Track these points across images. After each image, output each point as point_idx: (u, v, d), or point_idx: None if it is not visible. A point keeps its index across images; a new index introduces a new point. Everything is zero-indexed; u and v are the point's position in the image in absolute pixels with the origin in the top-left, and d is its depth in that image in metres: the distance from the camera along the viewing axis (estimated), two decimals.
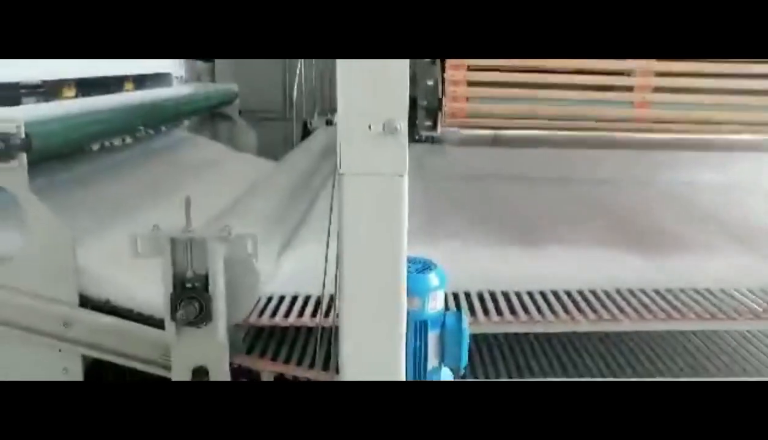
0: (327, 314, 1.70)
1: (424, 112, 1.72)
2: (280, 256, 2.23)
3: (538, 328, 1.75)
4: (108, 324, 2.09)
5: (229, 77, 6.30)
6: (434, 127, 1.74)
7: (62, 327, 2.08)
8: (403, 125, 1.16)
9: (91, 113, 2.72)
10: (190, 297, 1.69)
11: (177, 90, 3.96)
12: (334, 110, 4.44)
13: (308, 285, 2.12)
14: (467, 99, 1.80)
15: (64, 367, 2.12)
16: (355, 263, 1.19)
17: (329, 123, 4.39)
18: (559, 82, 1.91)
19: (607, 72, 1.99)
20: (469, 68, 1.80)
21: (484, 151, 2.53)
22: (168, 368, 2.04)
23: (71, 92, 3.50)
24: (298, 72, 5.62)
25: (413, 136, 2.00)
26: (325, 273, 1.52)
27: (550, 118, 1.90)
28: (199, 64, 5.72)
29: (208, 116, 4.39)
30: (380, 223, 1.18)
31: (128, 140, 3.21)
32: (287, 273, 2.17)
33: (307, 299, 2.05)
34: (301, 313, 1.89)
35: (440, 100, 1.74)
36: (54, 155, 2.57)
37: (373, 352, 1.19)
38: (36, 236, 2.07)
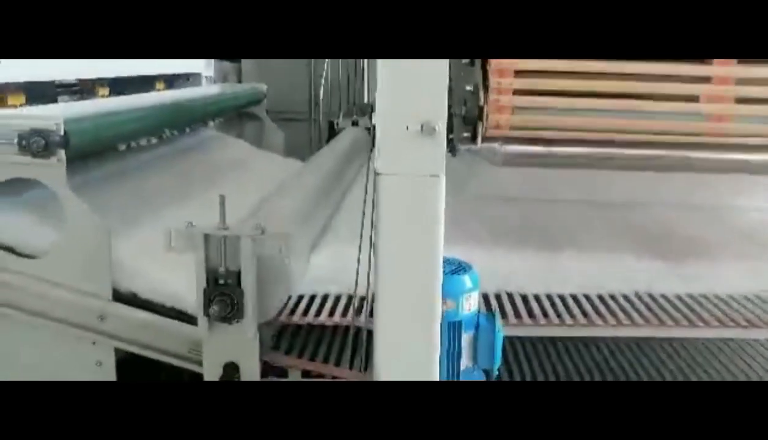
0: (358, 313, 1.69)
1: (461, 122, 1.59)
2: (309, 255, 2.24)
3: (572, 332, 1.72)
4: (140, 319, 2.11)
5: (254, 78, 6.36)
6: (473, 139, 1.63)
7: (97, 321, 2.11)
8: (441, 126, 1.16)
9: (125, 112, 2.76)
10: (223, 293, 1.70)
11: (206, 89, 4.00)
12: (361, 111, 4.44)
13: (336, 285, 2.14)
14: (513, 109, 1.66)
15: (97, 360, 2.15)
16: (391, 263, 1.19)
17: (355, 124, 4.39)
18: (620, 90, 1.73)
19: (677, 77, 1.72)
20: (517, 74, 1.67)
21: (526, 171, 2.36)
22: (198, 363, 2.06)
23: (105, 91, 3.56)
24: (324, 73, 5.64)
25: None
26: (357, 273, 1.52)
27: (608, 130, 1.73)
28: (226, 65, 5.77)
29: (236, 116, 4.43)
30: (416, 224, 1.17)
31: (159, 138, 3.25)
32: (316, 272, 2.18)
33: (337, 298, 2.06)
34: (331, 312, 1.89)
35: (481, 109, 1.62)
36: (88, 152, 2.61)
37: (407, 352, 1.19)
38: (73, 231, 2.11)
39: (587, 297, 1.92)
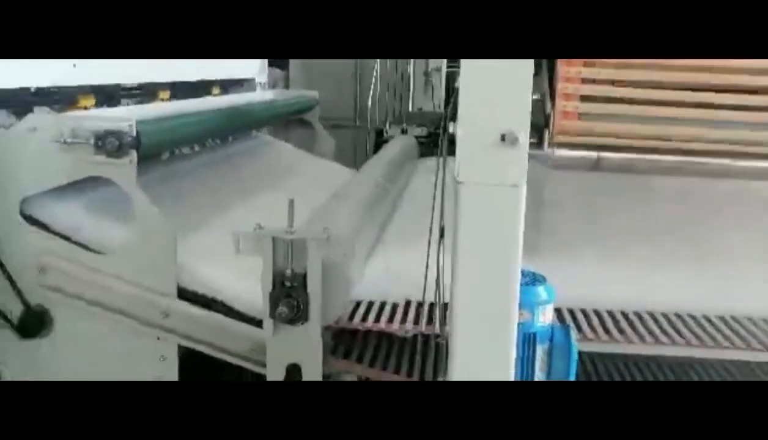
0: (426, 322, 1.68)
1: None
2: (366, 261, 2.24)
3: (650, 350, 1.66)
4: (202, 317, 2.14)
5: (301, 84, 6.43)
6: (539, 144, 1.63)
7: (161, 317, 2.15)
8: (523, 136, 1.14)
9: (188, 115, 2.80)
10: (289, 296, 1.71)
11: (261, 95, 4.04)
12: (410, 119, 4.43)
13: (392, 291, 2.13)
14: (579, 115, 1.65)
15: (161, 355, 2.18)
16: (469, 272, 1.17)
17: (404, 132, 4.39)
18: (689, 99, 1.70)
19: (746, 89, 1.72)
20: (584, 81, 1.66)
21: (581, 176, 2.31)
22: (258, 363, 2.08)
23: (166, 95, 3.62)
24: (372, 81, 5.66)
25: None
26: (426, 279, 1.51)
27: (678, 139, 1.69)
28: (276, 72, 5.84)
29: (282, 122, 4.47)
30: (496, 233, 1.16)
31: (219, 141, 3.30)
32: (370, 278, 2.17)
33: (394, 306, 2.05)
34: (390, 319, 1.88)
35: (547, 117, 1.62)
36: (153, 154, 2.66)
37: (482, 362, 1.17)
38: (142, 229, 2.15)
39: (667, 317, 1.83)
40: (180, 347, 2.18)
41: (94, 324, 2.21)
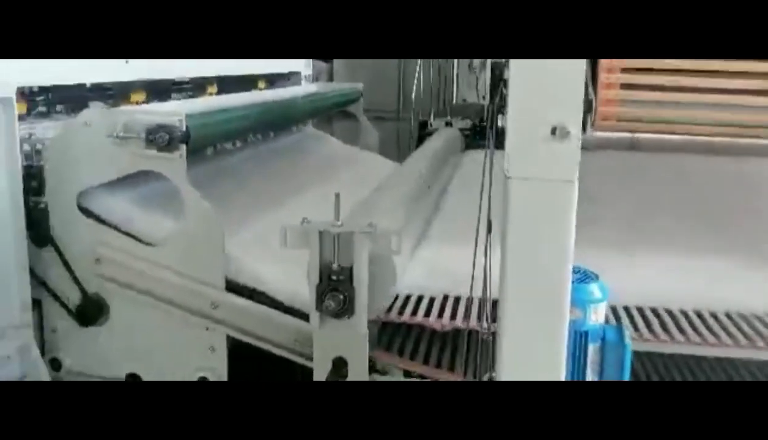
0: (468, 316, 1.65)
1: None
2: (411, 255, 2.22)
3: (713, 351, 1.59)
4: (249, 309, 2.17)
5: (344, 75, 6.42)
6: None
7: (210, 308, 2.19)
8: (576, 130, 1.10)
9: (236, 109, 2.83)
10: (335, 289, 1.71)
11: (307, 88, 4.05)
12: (454, 111, 4.37)
13: (436, 285, 2.11)
14: (619, 102, 1.66)
15: (211, 345, 2.22)
16: (519, 268, 1.15)
17: (448, 124, 4.34)
18: (725, 86, 1.71)
19: None
20: (623, 70, 1.66)
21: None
22: (303, 355, 2.09)
23: (214, 89, 3.67)
24: (416, 72, 5.61)
25: None
26: (473, 274, 1.49)
27: (712, 124, 1.71)
28: (319, 64, 5.85)
29: (329, 114, 4.47)
30: (547, 230, 1.12)
31: (265, 135, 3.33)
32: (415, 272, 2.15)
33: (432, 299, 2.03)
34: (440, 314, 1.87)
35: (590, 103, 1.61)
36: (201, 148, 2.71)
37: (532, 360, 1.14)
38: (191, 222, 2.18)
39: (729, 316, 1.75)
40: (229, 338, 2.21)
41: (146, 314, 2.26)
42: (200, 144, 2.52)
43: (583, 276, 1.40)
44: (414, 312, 1.87)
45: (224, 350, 2.22)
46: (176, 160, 2.13)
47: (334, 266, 1.71)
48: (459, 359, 1.91)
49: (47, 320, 2.35)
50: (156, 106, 2.73)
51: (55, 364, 2.35)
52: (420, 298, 1.98)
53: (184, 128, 2.13)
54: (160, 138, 2.10)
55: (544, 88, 1.10)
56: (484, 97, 6.57)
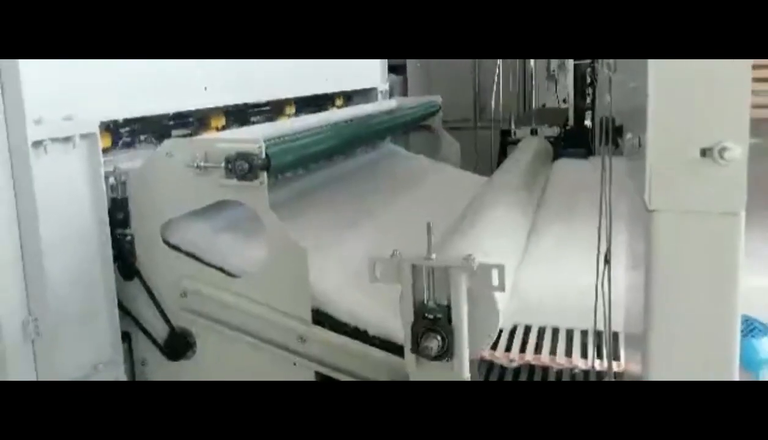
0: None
1: None
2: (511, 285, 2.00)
3: None
4: (339, 344, 2.02)
5: (419, 87, 6.25)
6: None
7: (298, 342, 2.05)
8: (741, 149, 0.87)
9: (315, 132, 2.72)
10: (431, 329, 1.52)
11: (386, 104, 3.91)
12: (537, 117, 4.08)
13: (540, 318, 1.89)
14: None
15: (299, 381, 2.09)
16: (668, 319, 0.92)
17: (534, 132, 4.08)
18: None
19: None
20: None
21: None
22: None
23: (291, 110, 3.59)
24: (494, 80, 5.36)
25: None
26: (595, 311, 1.27)
27: None
28: (392, 77, 5.71)
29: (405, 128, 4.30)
30: (705, 273, 0.90)
31: (346, 155, 3.20)
32: (518, 304, 1.93)
33: (541, 331, 1.81)
34: (552, 350, 1.65)
35: None
36: (281, 173, 2.60)
37: None
38: (274, 252, 2.06)
39: None
40: (317, 373, 2.07)
41: (232, 348, 2.16)
42: (280, 170, 2.42)
43: (751, 328, 1.13)
44: (522, 350, 1.66)
45: None
46: (257, 188, 2.01)
47: (430, 304, 1.52)
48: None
49: (137, 352, 2.29)
50: (236, 133, 2.65)
51: None
52: (527, 331, 1.76)
53: (263, 156, 2.01)
54: (240, 167, 2.00)
55: (697, 98, 0.88)
56: (564, 101, 6.23)
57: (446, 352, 1.51)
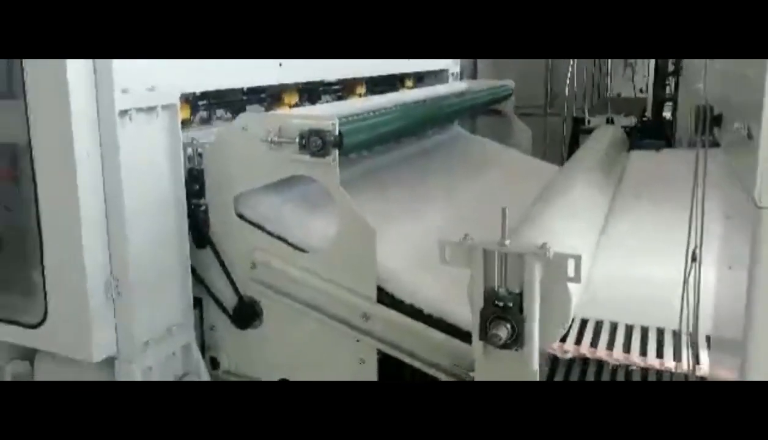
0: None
1: None
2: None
3: None
4: (403, 324, 1.99)
5: (489, 72, 6.07)
6: None
7: (362, 320, 2.04)
8: None
9: (387, 112, 2.68)
10: (500, 317, 1.47)
11: (456, 86, 3.81)
12: (617, 108, 3.88)
13: (616, 311, 1.80)
14: None
15: (360, 358, 2.08)
16: None
17: (610, 121, 3.89)
18: None
19: None
20: None
21: None
22: (458, 378, 1.88)
23: (362, 89, 3.56)
24: (569, 66, 5.16)
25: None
26: (681, 307, 1.19)
27: None
28: (462, 60, 5.57)
29: (474, 112, 4.19)
30: None
31: (415, 136, 3.15)
32: (590, 295, 1.85)
33: (614, 327, 1.73)
34: (626, 347, 1.57)
35: None
36: (353, 151, 2.58)
37: None
38: (344, 230, 2.05)
39: None
40: (379, 351, 2.06)
41: (297, 320, 2.17)
42: (353, 148, 2.39)
43: None
44: (594, 344, 1.59)
45: (374, 363, 2.07)
46: (329, 165, 2.00)
47: (501, 291, 1.47)
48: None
49: (207, 318, 2.35)
50: (310, 110, 2.64)
51: (213, 363, 2.34)
52: (599, 326, 1.69)
53: (336, 133, 1.99)
54: (313, 143, 1.99)
55: None
56: (641, 91, 5.93)
57: (515, 341, 1.45)
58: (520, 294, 1.45)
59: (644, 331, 1.67)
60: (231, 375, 2.36)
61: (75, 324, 1.95)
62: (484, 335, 1.46)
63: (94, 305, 1.93)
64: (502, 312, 1.46)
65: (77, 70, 1.77)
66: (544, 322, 1.47)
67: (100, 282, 1.94)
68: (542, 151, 4.64)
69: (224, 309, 2.28)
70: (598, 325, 1.71)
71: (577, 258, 1.42)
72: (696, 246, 1.27)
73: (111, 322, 2.00)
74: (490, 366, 1.49)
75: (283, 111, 2.66)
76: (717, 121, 1.23)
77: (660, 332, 1.65)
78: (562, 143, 4.82)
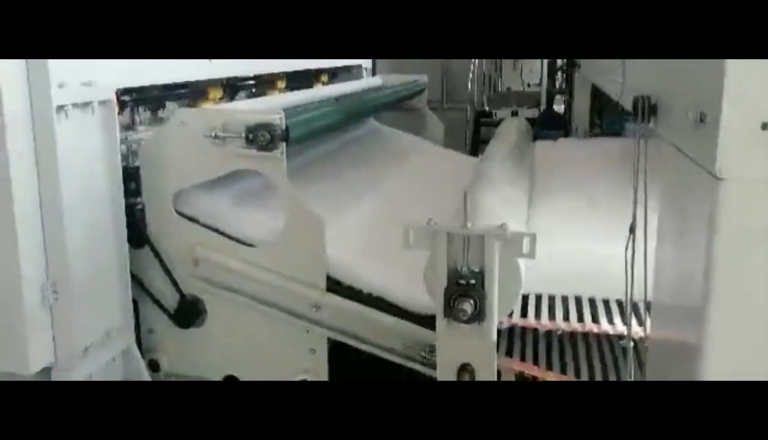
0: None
1: None
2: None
3: None
4: (354, 310, 2.03)
5: (386, 68, 6.22)
6: None
7: (312, 310, 2.05)
8: None
9: (319, 104, 2.69)
10: (464, 294, 1.56)
11: (372, 81, 3.89)
12: (506, 99, 4.11)
13: (553, 285, 1.95)
14: None
15: (311, 348, 2.10)
16: (729, 285, 0.98)
17: (514, 114, 4.15)
18: None
19: None
20: None
21: None
22: (413, 359, 1.95)
23: (282, 84, 3.53)
24: (472, 63, 5.40)
25: None
26: (627, 277, 1.33)
27: None
28: None
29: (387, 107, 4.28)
30: None
31: (341, 130, 3.17)
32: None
33: (552, 299, 1.88)
34: (566, 317, 1.72)
35: None
36: (298, 143, 2.55)
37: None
38: (291, 222, 2.05)
39: None
40: (330, 340, 2.08)
41: (244, 315, 2.14)
42: (296, 141, 2.39)
43: None
44: (553, 316, 1.72)
45: (324, 352, 2.09)
46: (277, 158, 1.99)
47: (464, 270, 1.56)
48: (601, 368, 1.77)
49: (144, 321, 2.25)
50: (251, 104, 2.60)
51: (153, 366, 2.24)
52: (539, 299, 1.83)
53: (284, 127, 1.98)
54: (261, 137, 1.97)
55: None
56: (528, 85, 6.34)
57: (477, 315, 1.55)
58: (481, 272, 1.54)
59: (592, 302, 1.82)
60: (172, 377, 2.27)
61: (9, 335, 1.80)
62: (449, 311, 1.54)
63: (29, 311, 1.79)
64: (466, 289, 1.54)
65: (5, 70, 1.63)
66: (503, 296, 1.58)
67: (36, 287, 1.80)
68: (446, 142, 4.85)
69: (164, 310, 2.20)
70: (546, 299, 1.84)
71: (533, 236, 1.53)
72: (633, 220, 1.42)
73: (48, 329, 1.87)
74: (453, 341, 1.58)
75: (217, 106, 2.58)
76: (653, 109, 1.39)
77: (605, 303, 1.81)
78: (466, 134, 5.05)
